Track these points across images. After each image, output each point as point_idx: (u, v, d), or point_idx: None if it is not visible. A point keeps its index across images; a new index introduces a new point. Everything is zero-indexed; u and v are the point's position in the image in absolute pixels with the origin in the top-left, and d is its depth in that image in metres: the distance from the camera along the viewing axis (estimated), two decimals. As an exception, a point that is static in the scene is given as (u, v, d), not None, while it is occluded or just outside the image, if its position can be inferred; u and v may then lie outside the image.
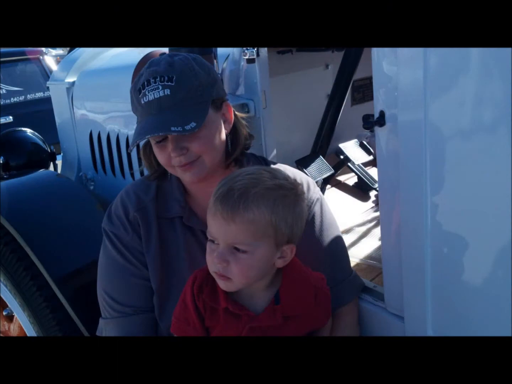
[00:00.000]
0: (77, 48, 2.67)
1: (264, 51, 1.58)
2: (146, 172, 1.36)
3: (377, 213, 1.97)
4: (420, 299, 1.14)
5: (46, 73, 5.82)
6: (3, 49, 5.46)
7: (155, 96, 1.14)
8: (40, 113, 4.70)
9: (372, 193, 2.18)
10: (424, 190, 1.06)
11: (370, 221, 2.01)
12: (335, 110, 2.03)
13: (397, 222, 1.16)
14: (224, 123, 1.26)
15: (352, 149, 2.22)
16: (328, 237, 1.30)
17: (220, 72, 1.68)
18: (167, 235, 1.30)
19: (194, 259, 1.27)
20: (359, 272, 1.45)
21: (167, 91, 1.14)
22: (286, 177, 1.09)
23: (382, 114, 1.14)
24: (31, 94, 5.83)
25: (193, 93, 1.16)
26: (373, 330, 1.34)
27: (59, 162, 2.72)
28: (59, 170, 2.75)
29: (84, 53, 2.55)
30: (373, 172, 2.19)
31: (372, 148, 2.23)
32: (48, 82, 2.75)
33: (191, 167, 1.20)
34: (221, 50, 1.66)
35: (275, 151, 1.66)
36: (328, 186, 2.17)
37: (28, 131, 2.71)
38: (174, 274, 1.28)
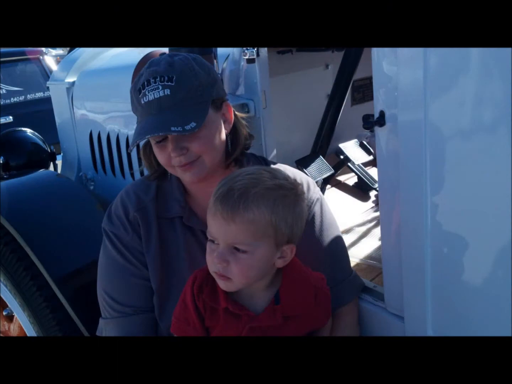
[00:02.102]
0: (77, 48, 2.67)
1: (264, 51, 1.58)
2: (146, 172, 1.36)
3: (377, 213, 1.97)
4: (420, 299, 1.14)
5: (46, 73, 5.82)
6: (3, 49, 5.46)
7: (155, 96, 1.14)
8: (40, 113, 4.70)
9: (372, 193, 2.18)
10: (424, 190, 1.06)
11: (370, 221, 2.01)
12: (335, 110, 2.03)
13: (397, 222, 1.16)
14: (224, 123, 1.26)
15: (352, 149, 2.22)
16: (328, 237, 1.30)
17: (220, 72, 1.68)
18: (167, 235, 1.30)
19: (194, 259, 1.27)
20: (359, 272, 1.45)
21: (167, 91, 1.14)
22: (286, 177, 1.09)
23: (382, 114, 1.14)
24: (31, 94, 5.82)
25: (193, 93, 1.16)
26: (373, 330, 1.34)
27: (59, 162, 2.72)
28: (59, 170, 2.75)
29: (84, 53, 2.55)
30: (373, 172, 2.19)
31: (372, 148, 2.23)
32: (48, 82, 2.75)
33: (191, 167, 1.20)
34: (221, 50, 1.66)
35: (275, 151, 1.66)
36: (328, 186, 2.17)
37: (28, 131, 2.71)
38: (174, 274, 1.28)
